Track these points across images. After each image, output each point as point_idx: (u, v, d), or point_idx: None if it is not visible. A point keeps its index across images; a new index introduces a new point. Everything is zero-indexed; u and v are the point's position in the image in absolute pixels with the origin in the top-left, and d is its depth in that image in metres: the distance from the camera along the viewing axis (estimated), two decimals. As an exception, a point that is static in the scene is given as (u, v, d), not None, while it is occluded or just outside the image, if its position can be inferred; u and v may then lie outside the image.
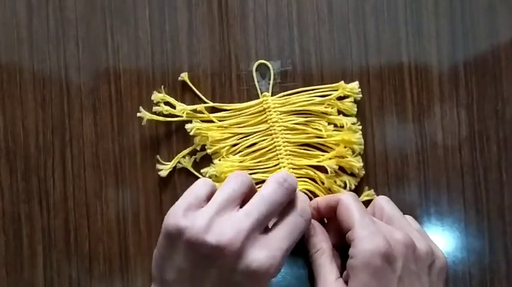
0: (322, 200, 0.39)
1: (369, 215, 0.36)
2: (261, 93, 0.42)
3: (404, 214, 0.38)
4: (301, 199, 0.36)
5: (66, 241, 0.43)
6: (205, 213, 0.33)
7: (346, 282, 0.35)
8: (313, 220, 0.39)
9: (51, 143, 0.43)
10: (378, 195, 0.42)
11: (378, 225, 0.35)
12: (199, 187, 0.35)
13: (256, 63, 0.42)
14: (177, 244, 0.33)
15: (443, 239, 0.42)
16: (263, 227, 0.34)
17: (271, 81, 0.42)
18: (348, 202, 0.36)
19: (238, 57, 0.42)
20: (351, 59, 0.42)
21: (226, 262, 0.32)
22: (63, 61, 0.43)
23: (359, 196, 0.41)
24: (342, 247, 0.38)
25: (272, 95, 0.42)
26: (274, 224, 0.35)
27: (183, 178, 0.42)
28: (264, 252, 0.33)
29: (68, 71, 0.43)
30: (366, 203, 0.40)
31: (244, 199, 0.35)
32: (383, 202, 0.39)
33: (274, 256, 0.33)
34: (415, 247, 0.35)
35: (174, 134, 0.42)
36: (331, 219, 0.39)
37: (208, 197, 0.35)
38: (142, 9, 0.43)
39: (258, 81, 0.42)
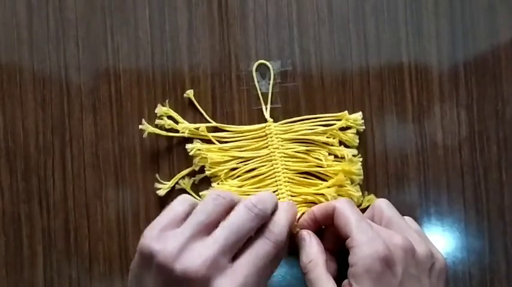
0: (318, 208, 0.39)
1: (365, 220, 0.36)
2: (261, 93, 0.42)
3: (404, 214, 0.38)
4: (279, 216, 0.36)
5: (66, 241, 0.43)
6: (177, 238, 0.32)
7: None
8: (306, 230, 0.38)
9: (51, 143, 0.43)
10: (378, 196, 0.42)
11: (376, 229, 0.35)
12: (177, 206, 0.35)
13: (256, 64, 0.42)
14: (148, 265, 0.33)
15: (443, 239, 0.42)
16: (232, 253, 0.33)
17: (271, 82, 0.42)
18: (344, 209, 0.36)
19: (238, 57, 0.42)
20: (351, 59, 0.42)
21: None
22: (63, 61, 0.43)
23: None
24: (340, 253, 0.37)
25: (272, 97, 0.42)
26: (241, 250, 0.34)
27: (183, 178, 0.42)
28: (229, 280, 0.32)
29: (68, 71, 0.43)
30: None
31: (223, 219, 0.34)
32: (382, 205, 0.38)
33: (239, 283, 0.32)
34: (415, 250, 0.35)
35: (175, 137, 0.42)
36: (328, 226, 0.39)
37: (187, 216, 0.34)
38: (142, 9, 0.43)
39: (258, 82, 0.42)
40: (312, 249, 0.37)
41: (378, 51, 0.42)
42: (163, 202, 0.42)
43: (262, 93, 0.42)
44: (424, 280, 0.34)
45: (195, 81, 0.42)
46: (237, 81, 0.42)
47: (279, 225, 0.35)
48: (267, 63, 0.42)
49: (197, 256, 0.32)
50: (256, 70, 0.42)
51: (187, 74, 0.42)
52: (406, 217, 0.38)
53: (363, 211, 0.39)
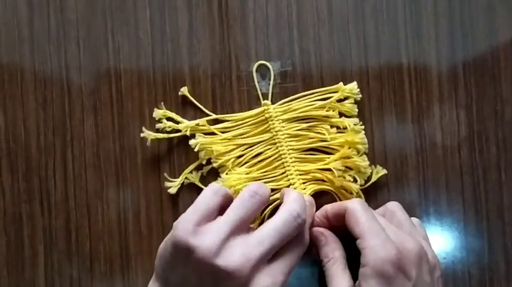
0: (331, 208, 0.39)
1: (378, 222, 0.36)
2: (261, 94, 0.42)
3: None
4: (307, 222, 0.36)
5: (67, 241, 0.43)
6: (216, 233, 0.33)
7: None
8: (323, 229, 0.39)
9: (52, 144, 0.43)
10: (377, 197, 0.42)
11: (389, 231, 0.35)
12: (210, 198, 0.35)
13: (256, 64, 0.42)
14: (184, 257, 0.33)
15: (443, 239, 0.42)
16: (271, 254, 0.34)
17: (271, 82, 0.42)
18: (355, 210, 0.36)
19: (238, 58, 0.43)
20: (351, 60, 0.42)
21: (233, 284, 0.32)
22: (64, 62, 0.43)
23: (370, 178, 0.41)
24: (351, 252, 0.37)
25: (272, 97, 0.42)
26: (278, 252, 0.35)
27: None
28: (269, 279, 0.33)
29: (69, 72, 0.43)
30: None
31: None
32: (395, 207, 0.38)
33: (277, 282, 0.33)
34: (427, 257, 0.35)
35: (175, 138, 0.43)
36: (339, 225, 0.39)
37: (220, 207, 0.35)
38: (143, 10, 0.43)
39: (258, 82, 0.42)
40: (330, 247, 0.38)
41: (377, 51, 0.42)
42: (163, 202, 0.42)
43: (262, 94, 0.42)
44: None
45: (195, 81, 0.43)
46: (237, 81, 0.43)
47: (307, 230, 0.37)
48: (267, 63, 0.42)
49: (239, 255, 0.32)
50: (256, 71, 0.42)
51: (187, 74, 0.43)
52: (413, 219, 0.39)
53: (373, 194, 0.40)
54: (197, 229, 0.33)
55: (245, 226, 0.34)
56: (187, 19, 0.43)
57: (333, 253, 0.37)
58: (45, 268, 0.43)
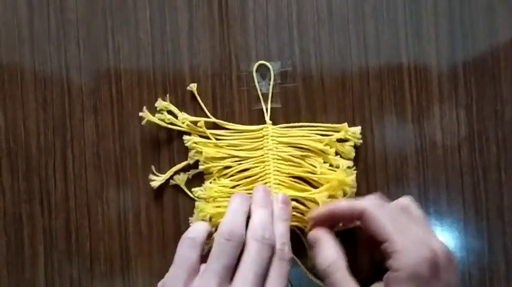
0: (340, 208, 0.36)
1: (402, 222, 0.34)
2: (261, 94, 0.42)
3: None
4: (281, 231, 0.36)
5: (67, 241, 0.43)
6: None
7: None
8: (320, 230, 0.37)
9: (52, 144, 0.43)
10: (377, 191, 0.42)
11: (414, 230, 0.34)
12: (188, 253, 0.34)
13: (256, 64, 0.42)
14: None
15: (443, 239, 0.42)
16: (262, 285, 0.33)
17: (272, 82, 0.42)
18: (375, 213, 0.34)
19: (238, 58, 0.43)
20: (351, 60, 0.42)
21: None
22: (64, 62, 0.43)
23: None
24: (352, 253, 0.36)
25: (272, 97, 0.42)
26: (265, 279, 0.34)
27: (184, 178, 0.42)
28: None
29: (69, 72, 0.43)
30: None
31: None
32: (409, 203, 0.37)
33: None
34: (453, 257, 0.34)
35: (175, 135, 0.42)
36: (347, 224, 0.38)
37: (201, 257, 0.34)
38: (143, 10, 0.43)
39: (258, 82, 0.42)
40: (330, 251, 0.36)
41: (377, 52, 0.42)
42: (163, 202, 0.42)
43: (262, 94, 0.42)
44: None
45: (195, 81, 0.42)
46: (237, 81, 0.43)
47: (286, 242, 0.35)
48: (267, 64, 0.42)
49: None
50: (256, 71, 0.42)
51: (187, 74, 0.43)
52: (404, 199, 0.37)
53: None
54: None
55: (230, 272, 0.33)
56: (188, 19, 0.43)
57: (334, 255, 0.35)
58: (45, 268, 0.43)
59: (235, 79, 0.43)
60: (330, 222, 0.38)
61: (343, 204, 0.37)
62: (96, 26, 0.43)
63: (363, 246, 0.39)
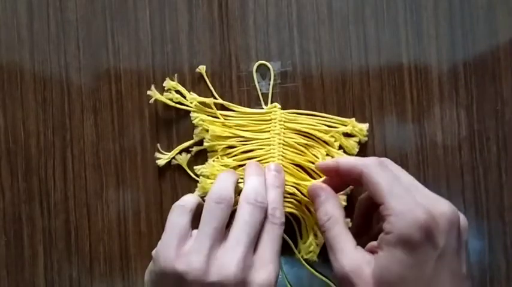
0: (348, 163, 0.35)
1: (402, 184, 0.33)
2: (261, 94, 0.42)
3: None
4: (274, 197, 0.36)
5: (66, 241, 0.43)
6: (199, 252, 0.33)
7: (370, 251, 0.33)
8: (323, 185, 0.37)
9: (52, 144, 0.43)
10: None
11: (418, 192, 0.33)
12: (178, 219, 0.35)
13: (256, 64, 0.42)
14: (177, 284, 0.33)
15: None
16: (253, 248, 0.34)
17: (272, 82, 0.42)
18: (372, 174, 0.33)
19: (238, 58, 0.43)
20: (351, 60, 0.42)
21: None
22: (64, 62, 0.43)
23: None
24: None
25: (272, 97, 0.42)
26: (257, 242, 0.35)
27: (183, 180, 0.42)
28: (262, 271, 0.33)
29: (68, 72, 0.43)
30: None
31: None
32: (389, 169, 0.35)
33: (271, 270, 0.33)
34: (459, 220, 0.32)
35: (175, 135, 0.42)
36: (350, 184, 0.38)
37: (192, 223, 0.35)
38: (143, 11, 0.43)
39: (258, 82, 0.42)
40: (330, 205, 0.36)
41: (377, 51, 0.42)
42: (163, 202, 0.42)
43: (262, 94, 0.42)
44: (462, 255, 0.32)
45: (195, 81, 0.42)
46: (237, 81, 0.43)
47: (277, 207, 0.36)
48: (267, 63, 0.42)
49: (227, 263, 0.32)
50: (256, 71, 0.42)
51: (187, 74, 0.43)
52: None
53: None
54: (179, 253, 0.33)
55: (222, 233, 0.34)
56: (188, 19, 0.43)
57: (334, 210, 0.35)
58: (45, 268, 0.43)
59: (235, 79, 0.43)
60: (336, 179, 0.37)
61: (346, 160, 0.36)
62: (96, 26, 0.43)
63: (364, 207, 0.39)
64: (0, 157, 0.43)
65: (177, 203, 0.36)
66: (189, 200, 0.36)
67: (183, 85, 0.42)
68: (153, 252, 0.34)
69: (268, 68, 0.42)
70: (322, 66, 0.42)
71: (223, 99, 0.42)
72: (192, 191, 0.42)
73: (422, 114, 0.42)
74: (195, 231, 0.34)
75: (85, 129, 0.43)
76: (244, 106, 0.42)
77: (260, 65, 0.42)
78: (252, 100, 0.42)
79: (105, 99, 0.43)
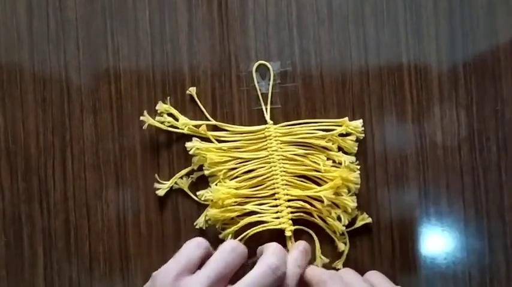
0: (310, 273, 0.37)
1: None
2: (261, 94, 0.42)
3: (403, 214, 0.38)
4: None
5: (66, 241, 0.43)
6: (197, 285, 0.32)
7: None
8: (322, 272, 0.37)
9: (51, 144, 0.43)
10: (377, 196, 0.42)
11: None
12: (193, 250, 0.34)
13: (256, 64, 0.42)
14: None
15: (443, 240, 0.42)
16: None
17: (271, 82, 0.42)
18: (324, 283, 0.34)
19: (238, 58, 0.43)
20: (351, 60, 0.42)
21: None
22: (64, 62, 0.43)
23: (354, 220, 0.41)
24: None
25: (272, 97, 0.42)
26: None
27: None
28: None
29: (68, 72, 0.43)
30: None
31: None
32: (380, 279, 0.37)
33: None
34: None
35: (175, 135, 0.42)
36: None
37: (201, 261, 0.34)
38: (143, 10, 0.43)
39: (258, 82, 0.42)
40: None
41: (377, 51, 0.42)
42: (163, 202, 0.42)
43: (262, 94, 0.42)
44: None
45: (195, 81, 0.42)
46: (237, 81, 0.43)
47: (293, 280, 0.35)
48: (267, 63, 0.42)
49: None
50: (256, 71, 0.42)
51: (187, 74, 0.43)
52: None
53: (357, 231, 0.40)
54: (176, 283, 0.33)
55: (224, 281, 0.33)
56: (187, 19, 0.43)
57: None
58: (45, 268, 0.43)
59: (235, 79, 0.43)
60: None
61: (311, 271, 0.37)
62: (96, 26, 0.43)
63: None
64: (-1, 157, 0.43)
65: (197, 238, 0.36)
66: (207, 242, 0.36)
67: (182, 86, 0.42)
68: (154, 273, 0.34)
69: (268, 68, 0.42)
70: (322, 66, 0.42)
71: (222, 97, 0.42)
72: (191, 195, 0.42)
73: (422, 114, 0.42)
74: (199, 271, 0.34)
75: (85, 129, 0.43)
76: (243, 106, 0.42)
77: (260, 65, 0.42)
78: (252, 100, 0.42)
79: (105, 99, 0.43)
